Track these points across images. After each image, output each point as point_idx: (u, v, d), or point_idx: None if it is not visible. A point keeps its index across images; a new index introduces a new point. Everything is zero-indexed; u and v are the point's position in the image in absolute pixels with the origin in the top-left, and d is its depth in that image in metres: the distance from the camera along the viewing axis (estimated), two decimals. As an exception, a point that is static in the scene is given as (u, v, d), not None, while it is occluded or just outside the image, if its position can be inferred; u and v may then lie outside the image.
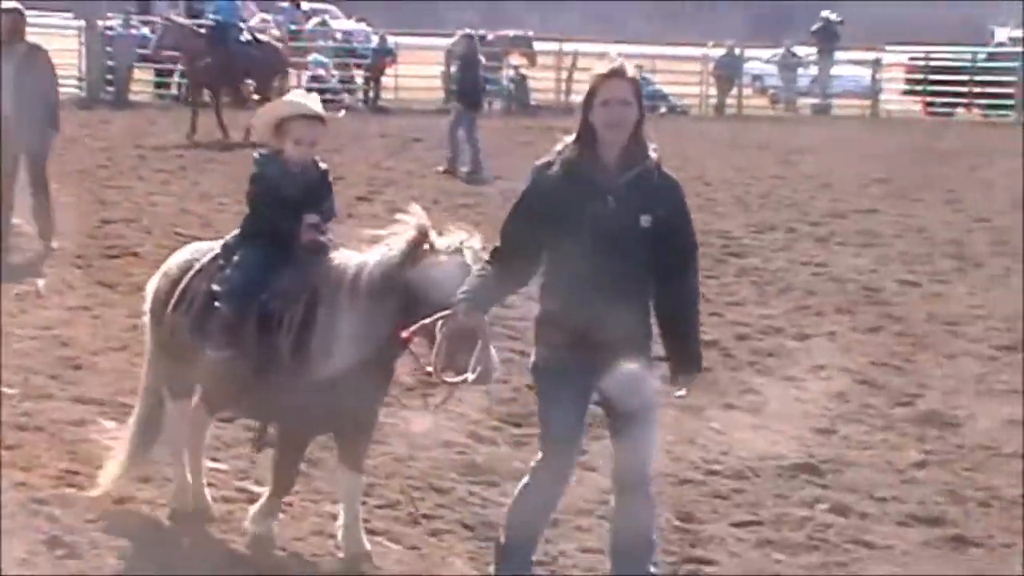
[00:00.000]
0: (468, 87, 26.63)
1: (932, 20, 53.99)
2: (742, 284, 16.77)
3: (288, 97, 8.00)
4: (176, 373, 7.66)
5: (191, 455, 7.92)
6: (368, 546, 7.50)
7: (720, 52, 45.36)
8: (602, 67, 6.80)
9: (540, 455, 6.99)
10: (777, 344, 13.56)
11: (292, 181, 7.52)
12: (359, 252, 7.26)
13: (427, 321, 6.74)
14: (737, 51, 45.67)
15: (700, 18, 70.49)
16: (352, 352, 7.00)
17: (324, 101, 8.18)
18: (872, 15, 53.16)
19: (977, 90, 44.05)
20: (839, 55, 45.25)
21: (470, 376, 6.80)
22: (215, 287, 7.36)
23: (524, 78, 42.08)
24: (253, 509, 7.68)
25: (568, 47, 45.20)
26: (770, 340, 13.70)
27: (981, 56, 44.86)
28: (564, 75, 44.44)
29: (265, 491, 7.69)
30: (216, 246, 7.68)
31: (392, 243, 7.05)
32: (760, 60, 48.26)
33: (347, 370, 7.00)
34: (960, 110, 43.82)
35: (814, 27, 45.03)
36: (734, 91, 45.27)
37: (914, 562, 8.20)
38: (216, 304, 7.31)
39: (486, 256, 6.87)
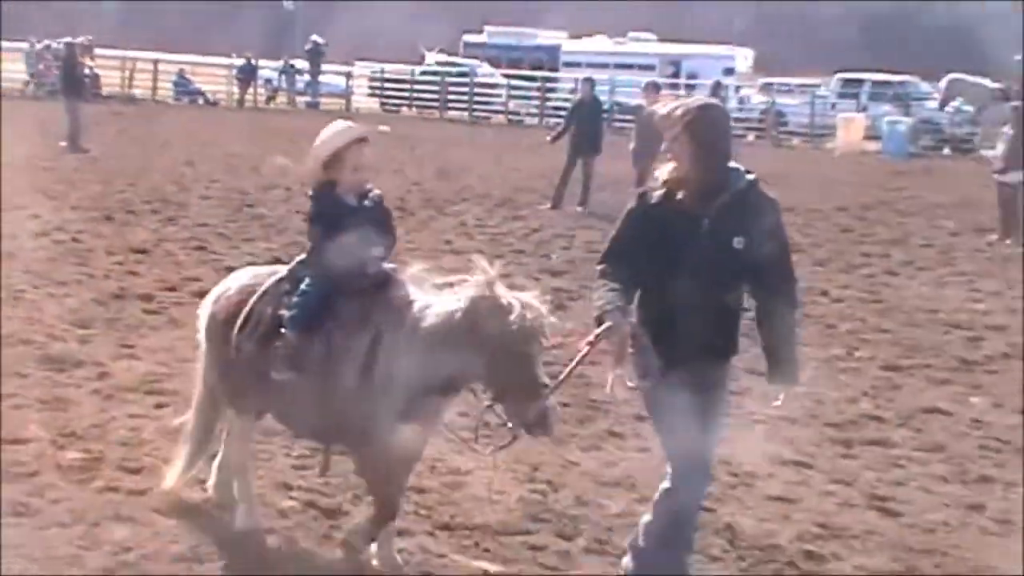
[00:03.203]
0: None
1: (392, 40, 56.44)
2: (254, 226, 17.33)
3: (335, 126, 6.25)
4: (240, 391, 6.36)
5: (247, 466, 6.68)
6: (400, 560, 6.24)
7: (241, 61, 47.92)
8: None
9: (669, 471, 5.85)
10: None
11: (352, 213, 6.07)
12: (425, 292, 5.88)
13: (593, 337, 5.51)
14: (253, 61, 48.09)
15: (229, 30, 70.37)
16: (408, 393, 5.69)
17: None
18: (347, 36, 55.10)
19: (416, 95, 48.23)
20: (325, 67, 48.27)
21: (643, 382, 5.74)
22: (282, 312, 6.10)
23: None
24: (352, 526, 6.37)
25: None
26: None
27: (417, 72, 49.20)
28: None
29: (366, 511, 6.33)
30: (278, 270, 6.42)
31: (460, 294, 5.63)
32: (271, 68, 50.66)
33: (404, 408, 5.74)
34: (403, 109, 47.87)
35: (307, 46, 48.22)
36: (250, 90, 47.61)
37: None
38: (282, 329, 6.04)
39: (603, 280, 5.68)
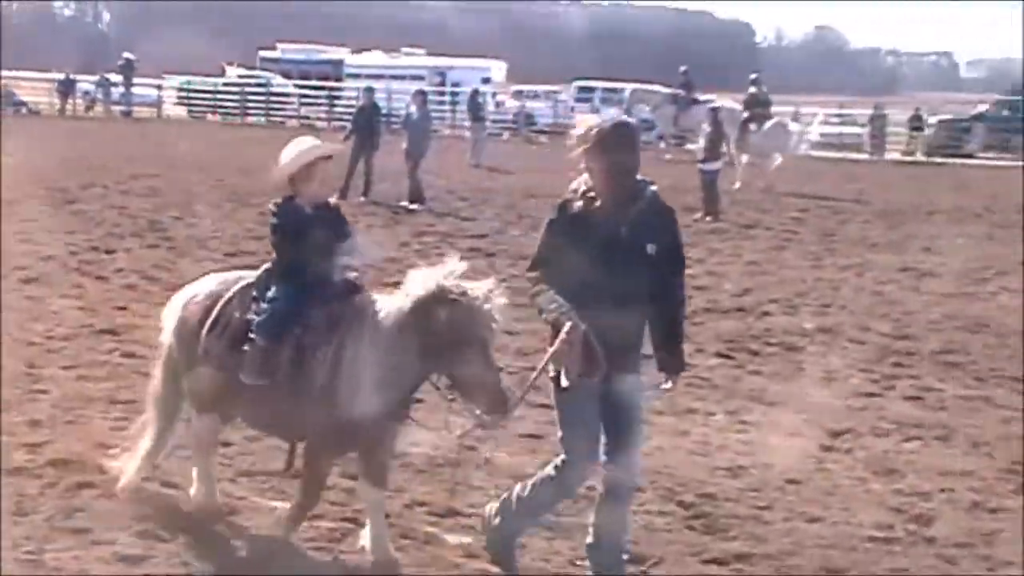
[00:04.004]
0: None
1: (196, 56, 54.96)
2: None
3: (302, 143, 5.78)
4: (207, 391, 5.83)
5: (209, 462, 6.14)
6: (395, 554, 5.68)
7: (61, 75, 46.31)
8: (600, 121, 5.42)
9: (562, 459, 5.45)
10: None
11: (315, 223, 5.63)
12: (391, 295, 5.44)
13: (565, 336, 5.07)
14: (72, 75, 46.53)
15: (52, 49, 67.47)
16: (378, 391, 5.29)
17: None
18: (156, 53, 53.43)
19: (219, 104, 47.15)
20: (137, 80, 46.35)
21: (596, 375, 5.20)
22: (250, 317, 5.63)
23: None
24: (279, 516, 5.94)
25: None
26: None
27: (220, 83, 48.18)
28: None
29: (292, 503, 5.86)
30: (244, 277, 5.91)
31: (414, 290, 5.25)
32: (88, 81, 48.51)
33: (374, 406, 5.32)
34: (208, 115, 46.49)
35: (120, 62, 46.34)
36: (70, 101, 45.89)
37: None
38: (251, 334, 5.56)
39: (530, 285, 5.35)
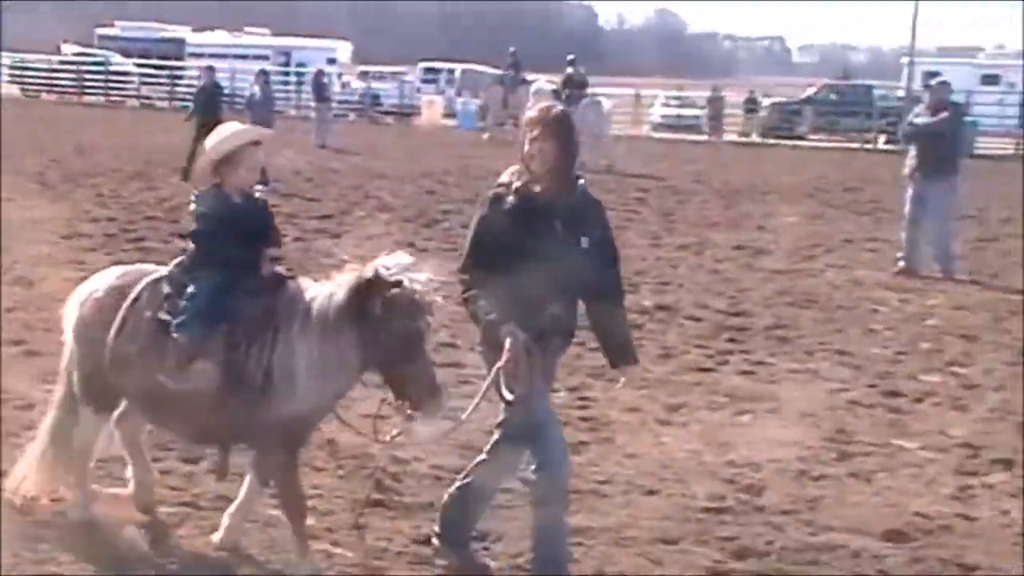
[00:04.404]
0: None
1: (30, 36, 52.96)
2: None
3: (227, 130, 5.30)
4: (109, 395, 5.38)
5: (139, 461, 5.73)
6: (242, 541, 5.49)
7: None
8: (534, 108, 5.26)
9: (495, 448, 5.30)
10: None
11: (240, 213, 5.18)
12: (320, 283, 5.10)
13: (509, 350, 4.89)
14: None
15: None
16: (317, 384, 4.94)
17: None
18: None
19: (55, 82, 45.20)
20: None
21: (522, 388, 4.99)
22: (166, 317, 5.11)
23: None
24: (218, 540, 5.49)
25: None
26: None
27: (55, 61, 46.63)
28: None
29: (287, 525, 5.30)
30: (146, 270, 5.44)
31: (340, 277, 4.97)
32: None
33: (314, 401, 5.02)
34: (43, 94, 44.86)
35: None
36: None
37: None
38: (173, 335, 5.04)
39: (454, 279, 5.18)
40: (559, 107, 5.27)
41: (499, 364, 4.98)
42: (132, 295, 5.30)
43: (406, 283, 4.85)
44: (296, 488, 5.25)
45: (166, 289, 5.25)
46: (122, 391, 5.40)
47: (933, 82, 15.44)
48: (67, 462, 5.68)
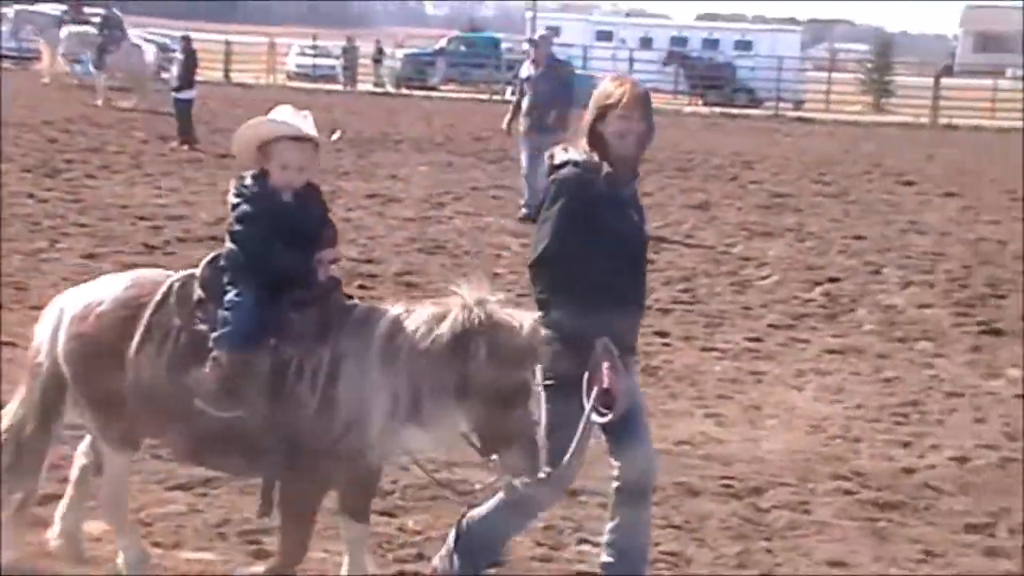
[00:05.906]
0: None
1: None
2: None
3: (273, 114, 4.41)
4: (134, 427, 4.48)
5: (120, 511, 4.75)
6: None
7: None
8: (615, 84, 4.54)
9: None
10: None
11: (287, 210, 4.31)
12: (393, 306, 4.31)
13: (609, 376, 4.22)
14: None
15: None
16: (392, 414, 4.16)
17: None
18: None
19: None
20: None
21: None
22: (199, 328, 4.28)
23: None
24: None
25: None
26: None
27: None
28: None
29: (271, 560, 4.57)
30: (168, 274, 4.54)
31: (441, 306, 4.18)
32: None
33: (369, 437, 4.21)
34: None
35: None
36: None
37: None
38: (212, 351, 4.21)
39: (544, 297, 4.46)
40: (642, 86, 4.60)
41: (598, 388, 4.27)
42: (155, 299, 4.37)
43: (515, 324, 4.09)
44: (308, 532, 4.44)
45: (198, 293, 4.36)
46: (150, 420, 4.44)
47: (536, 35, 16.03)
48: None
